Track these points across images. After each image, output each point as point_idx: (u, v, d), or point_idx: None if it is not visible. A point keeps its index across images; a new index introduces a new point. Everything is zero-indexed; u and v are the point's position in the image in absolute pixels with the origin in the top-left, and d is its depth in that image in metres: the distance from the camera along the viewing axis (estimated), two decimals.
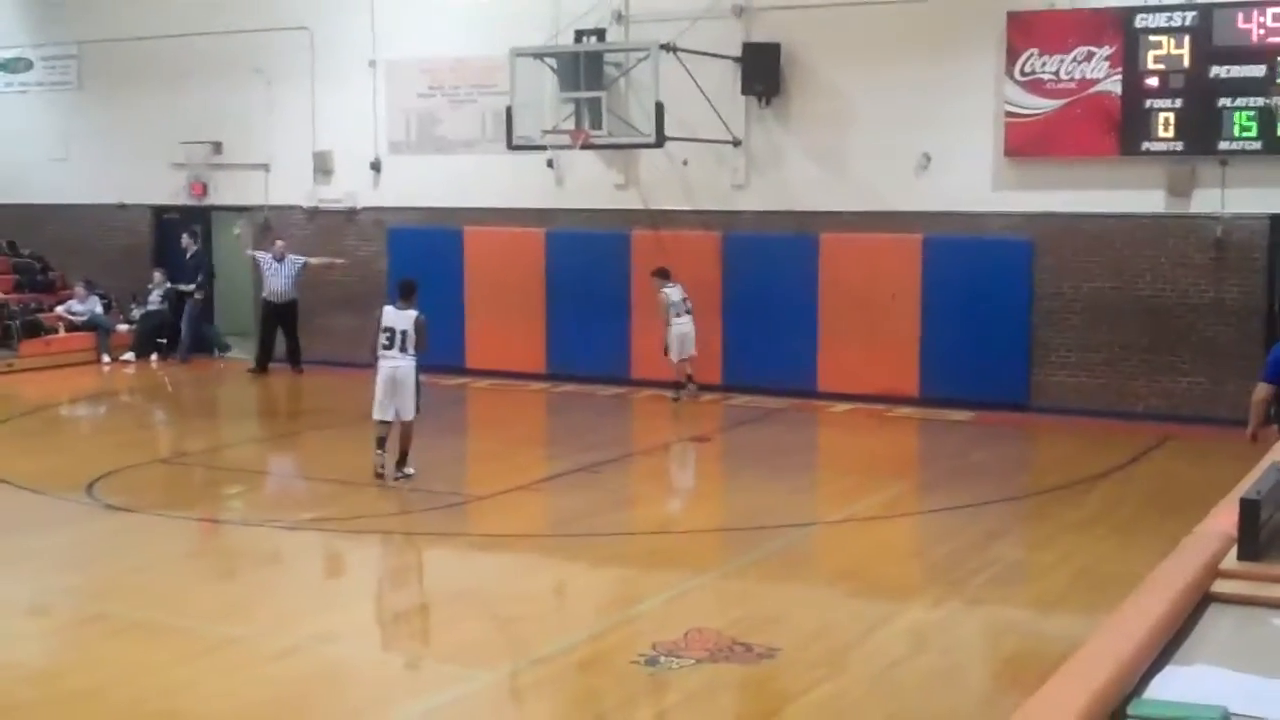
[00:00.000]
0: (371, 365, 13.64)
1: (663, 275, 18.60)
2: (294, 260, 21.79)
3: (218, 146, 23.36)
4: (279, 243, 21.96)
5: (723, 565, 11.25)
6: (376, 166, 22.06)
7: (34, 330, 23.02)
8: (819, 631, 9.28)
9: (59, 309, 23.54)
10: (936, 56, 18.15)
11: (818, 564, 11.65)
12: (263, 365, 21.84)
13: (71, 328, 23.36)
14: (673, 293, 18.51)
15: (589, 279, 20.28)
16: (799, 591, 10.47)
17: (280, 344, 21.99)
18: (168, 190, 23.97)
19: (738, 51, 19.04)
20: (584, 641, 9.16)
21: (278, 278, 21.71)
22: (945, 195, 18.26)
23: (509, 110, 18.78)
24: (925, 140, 18.30)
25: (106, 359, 23.15)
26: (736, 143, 19.29)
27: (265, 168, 22.99)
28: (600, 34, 19.60)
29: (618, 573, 10.99)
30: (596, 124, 18.62)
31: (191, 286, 23.20)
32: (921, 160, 18.36)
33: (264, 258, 21.95)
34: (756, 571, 10.90)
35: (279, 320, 21.88)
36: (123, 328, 23.66)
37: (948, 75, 18.12)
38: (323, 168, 22.46)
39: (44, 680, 8.57)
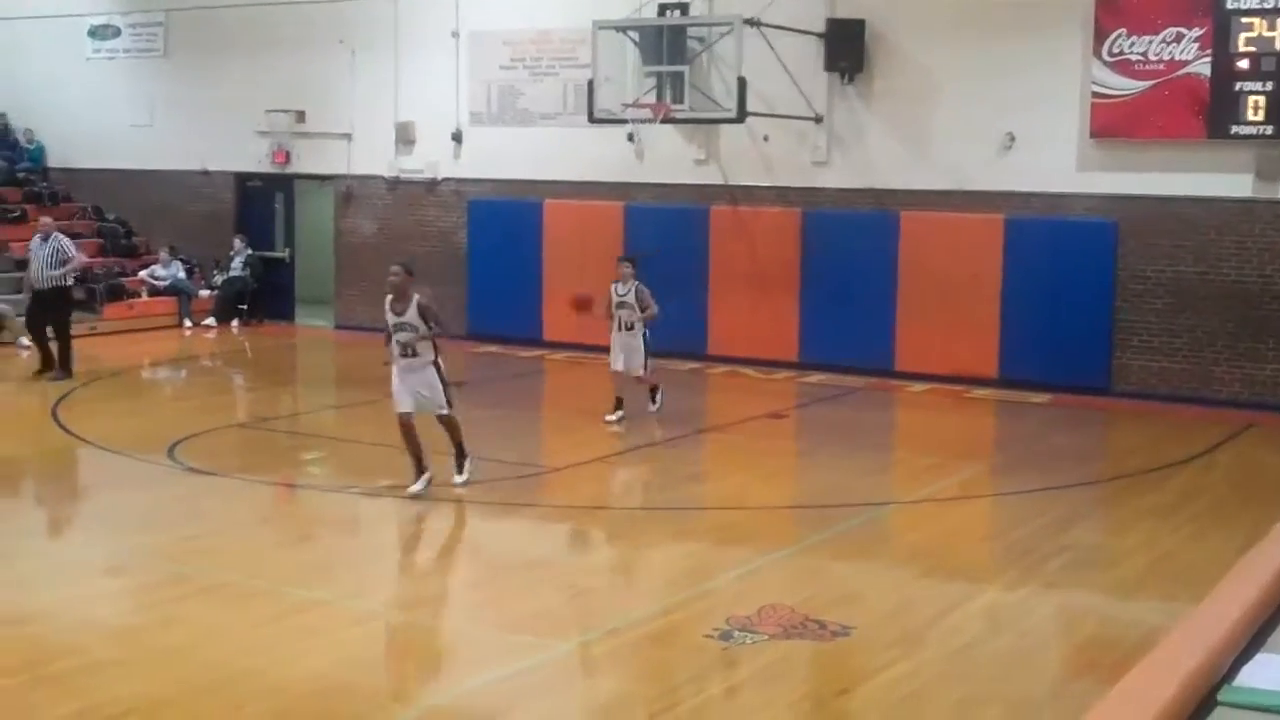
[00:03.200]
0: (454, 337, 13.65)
1: (636, 265, 15.62)
2: (60, 241, 18.57)
3: (301, 115, 23.51)
4: (43, 219, 19.40)
5: (796, 542, 11.22)
6: (458, 138, 22.13)
7: (117, 294, 23.32)
8: (893, 611, 9.24)
9: (142, 274, 23.83)
10: (1023, 35, 17.94)
11: (893, 543, 11.59)
12: (47, 365, 18.34)
13: (154, 292, 23.66)
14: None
15: (666, 253, 20.21)
16: (873, 570, 10.43)
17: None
18: (251, 158, 24.17)
19: (821, 27, 18.91)
20: (656, 614, 9.17)
21: (36, 260, 18.47)
22: (1029, 175, 18.07)
23: (590, 83, 18.78)
24: (1009, 119, 18.10)
25: (188, 324, 23.43)
26: (818, 119, 19.18)
27: (348, 137, 23.13)
28: (684, 8, 19.55)
29: (690, 547, 10.98)
30: (678, 98, 18.60)
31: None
32: (1005, 140, 18.17)
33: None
34: (830, 549, 10.86)
35: (43, 312, 18.48)
36: (204, 293, 23.93)
37: (1034, 54, 17.90)
38: (404, 138, 22.56)
39: (125, 638, 8.70)
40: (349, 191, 23.24)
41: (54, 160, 26.10)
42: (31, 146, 26.08)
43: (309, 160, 23.73)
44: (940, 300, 18.48)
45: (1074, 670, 8.46)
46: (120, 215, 25.60)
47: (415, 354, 11.82)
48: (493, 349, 21.07)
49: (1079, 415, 16.84)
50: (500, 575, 10.28)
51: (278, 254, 24.30)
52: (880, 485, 13.44)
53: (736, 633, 8.51)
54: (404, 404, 11.86)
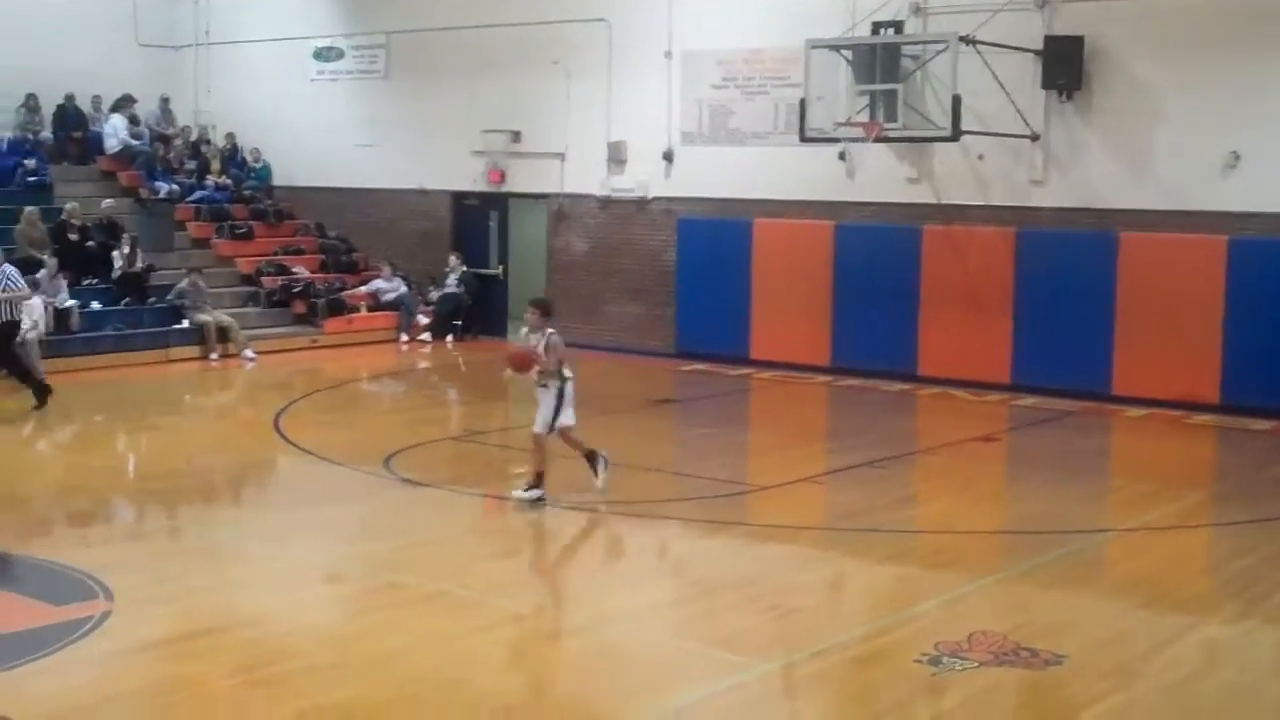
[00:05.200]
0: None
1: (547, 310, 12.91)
2: (4, 271, 17.05)
3: (516, 135, 23.92)
4: None
5: (1007, 568, 10.99)
6: (669, 157, 22.26)
7: (337, 309, 23.99)
8: (1108, 641, 8.99)
9: (362, 289, 24.47)
10: (1249, 51, 17.40)
11: (1107, 572, 11.29)
12: (41, 398, 17.18)
13: (375, 307, 24.29)
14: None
15: (877, 273, 20.08)
16: (1087, 599, 10.16)
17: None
18: (467, 177, 24.66)
19: (1038, 44, 18.57)
20: (863, 638, 9.07)
21: None
22: (1254, 196, 17.49)
23: (803, 102, 18.74)
24: (1234, 138, 17.57)
25: (405, 338, 23.99)
26: (1035, 137, 18.84)
27: (561, 156, 23.44)
28: (898, 26, 19.37)
29: (898, 570, 10.85)
30: (891, 116, 18.45)
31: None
32: (1230, 159, 17.62)
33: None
34: (1042, 576, 10.62)
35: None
36: (420, 309, 24.48)
37: (1260, 71, 17.35)
38: (616, 157, 22.78)
39: (341, 643, 8.91)
40: (561, 210, 23.55)
41: (279, 179, 26.97)
42: (258, 166, 26.99)
43: (523, 179, 24.11)
44: (1160, 323, 17.98)
45: None
46: (341, 233, 26.32)
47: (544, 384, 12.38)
48: (700, 367, 21.13)
49: None
50: (706, 593, 10.27)
51: (491, 271, 24.74)
52: (1094, 512, 13.10)
53: (946, 658, 8.38)
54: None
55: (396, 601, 9.73)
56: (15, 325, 17.45)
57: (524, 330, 12.89)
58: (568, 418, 12.46)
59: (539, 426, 12.42)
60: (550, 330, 12.45)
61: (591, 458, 12.72)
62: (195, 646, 8.67)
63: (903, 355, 19.77)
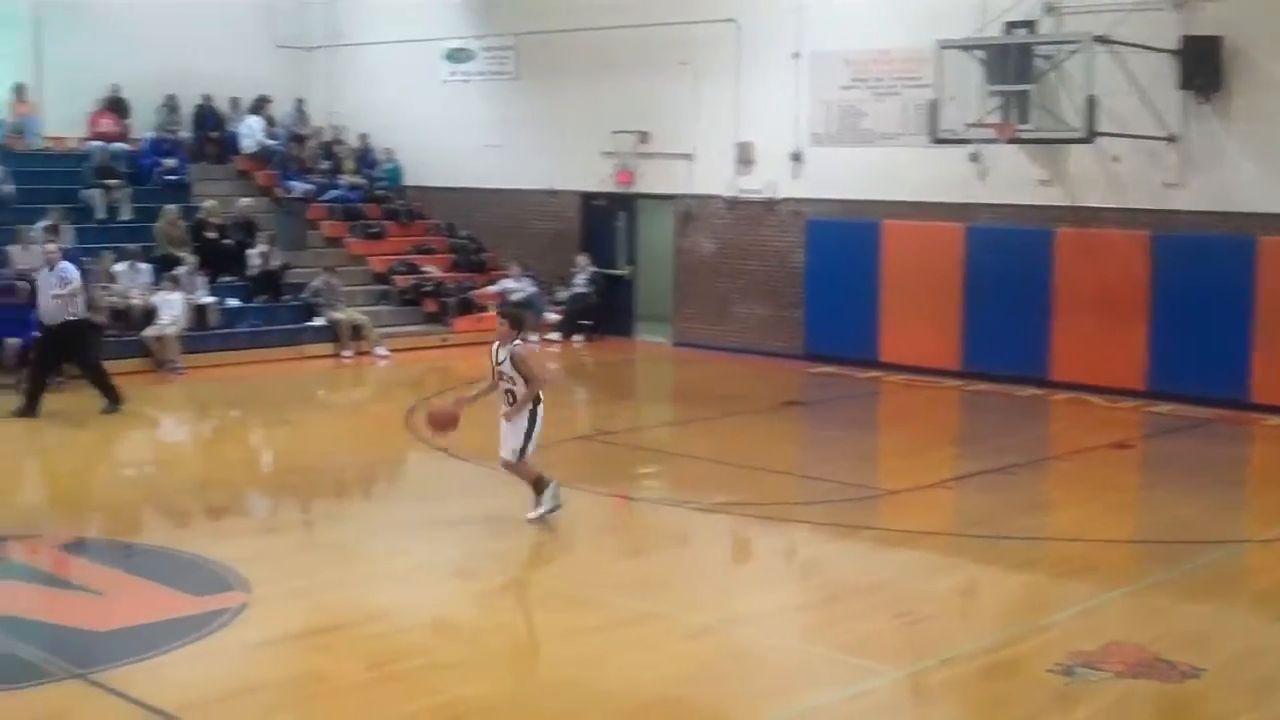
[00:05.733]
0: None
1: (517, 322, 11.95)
2: (65, 270, 16.64)
3: (644, 136, 23.98)
4: (49, 246, 17.52)
5: (1142, 578, 10.80)
6: (797, 158, 22.18)
7: (467, 308, 24.24)
8: (1246, 655, 8.81)
9: (491, 288, 24.68)
10: None
11: (1245, 584, 11.05)
12: (28, 407, 16.45)
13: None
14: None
15: (1009, 276, 19.83)
16: (1224, 612, 9.96)
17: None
18: (595, 178, 24.77)
19: (1175, 44, 18.21)
20: (994, 646, 8.97)
21: (44, 293, 16.68)
22: None
23: (933, 103, 18.58)
24: None
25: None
26: (1171, 139, 18.48)
27: (688, 157, 23.46)
28: (1030, 25, 19.12)
29: (1029, 578, 10.71)
30: (1023, 117, 18.25)
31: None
32: None
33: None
34: (1179, 587, 10.42)
35: (55, 349, 16.82)
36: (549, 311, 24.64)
37: None
38: (744, 158, 22.75)
39: (470, 640, 9.01)
40: (689, 211, 23.57)
41: (410, 179, 27.30)
42: (390, 166, 27.34)
43: (651, 180, 24.16)
44: None
45: None
46: (471, 232, 26.57)
47: (513, 401, 11.47)
48: (829, 369, 21.03)
49: None
50: (834, 597, 10.23)
51: (619, 271, 24.84)
52: (1232, 522, 12.83)
53: (1079, 669, 8.26)
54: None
55: (525, 599, 9.83)
56: (84, 324, 16.86)
57: (495, 344, 11.61)
58: (510, 445, 11.46)
59: (507, 453, 11.48)
60: (517, 342, 11.53)
61: (539, 484, 11.62)
62: (328, 640, 8.82)
63: (1034, 359, 19.50)
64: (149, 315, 20.39)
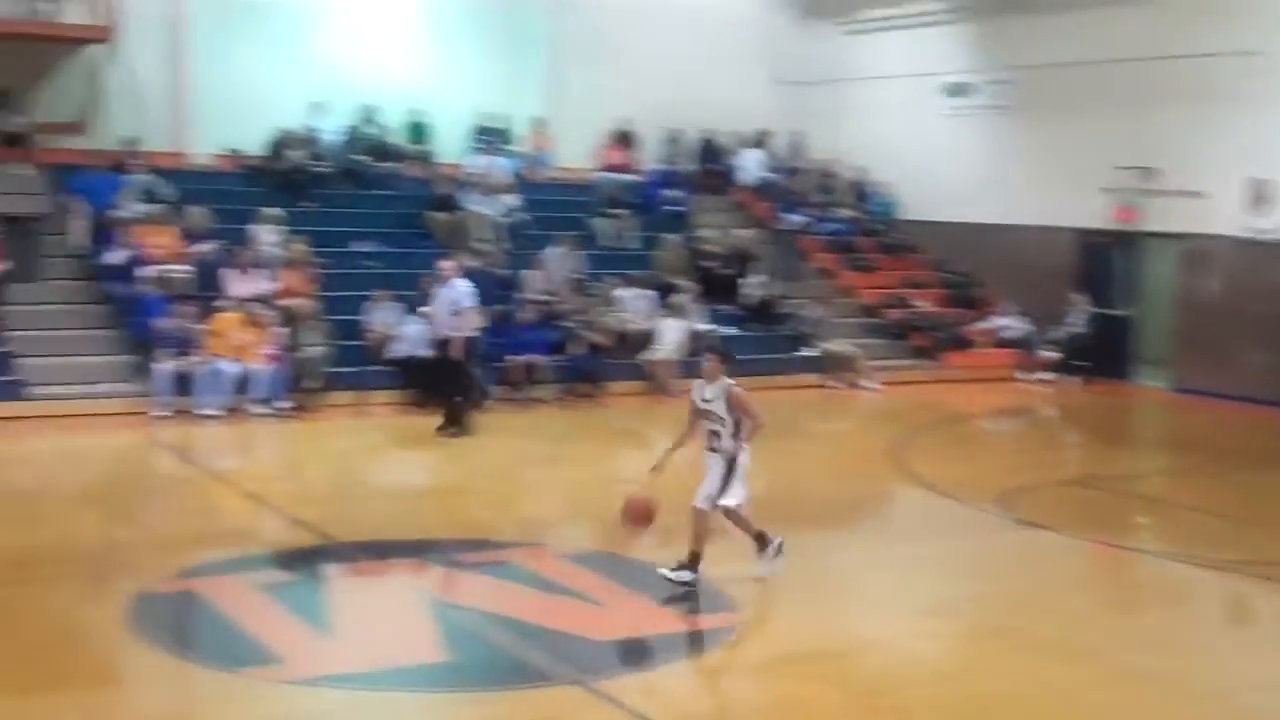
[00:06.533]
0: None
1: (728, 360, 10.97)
2: (458, 289, 16.93)
3: (1149, 172, 23.12)
4: (444, 264, 17.46)
5: None
6: None
7: (957, 343, 24.03)
8: None
9: (982, 324, 24.38)
10: None
11: None
12: (453, 425, 17.03)
13: (995, 343, 24.15)
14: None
15: None
16: None
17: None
18: (1093, 214, 24.06)
19: None
20: None
21: (439, 309, 17.17)
22: None
23: None
24: None
25: (1025, 376, 23.69)
26: None
27: (1197, 194, 22.45)
28: None
29: None
30: None
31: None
32: None
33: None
34: None
35: (441, 363, 17.22)
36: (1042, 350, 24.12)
37: None
38: (1260, 196, 21.57)
39: (947, 682, 8.93)
40: (1196, 251, 22.55)
41: (904, 212, 27.31)
42: (884, 199, 27.46)
43: (1154, 217, 23.25)
44: None
45: None
46: (962, 267, 26.32)
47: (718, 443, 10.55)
48: None
49: None
50: None
51: (1118, 311, 24.01)
52: None
53: None
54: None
55: (1006, 646, 9.65)
56: (464, 343, 16.97)
57: (699, 384, 10.77)
58: (734, 496, 10.54)
59: (700, 501, 10.55)
60: (730, 382, 10.59)
61: (762, 540, 10.86)
62: (810, 668, 8.94)
63: None
64: (648, 339, 21.26)
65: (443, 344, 17.02)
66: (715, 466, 10.52)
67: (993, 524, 13.32)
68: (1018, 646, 9.60)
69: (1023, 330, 24.16)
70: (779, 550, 10.73)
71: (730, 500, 10.45)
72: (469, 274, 17.88)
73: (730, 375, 10.56)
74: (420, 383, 18.34)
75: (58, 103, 22.24)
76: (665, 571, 10.40)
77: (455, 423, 17.05)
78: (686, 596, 10.23)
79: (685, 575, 10.37)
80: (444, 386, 17.35)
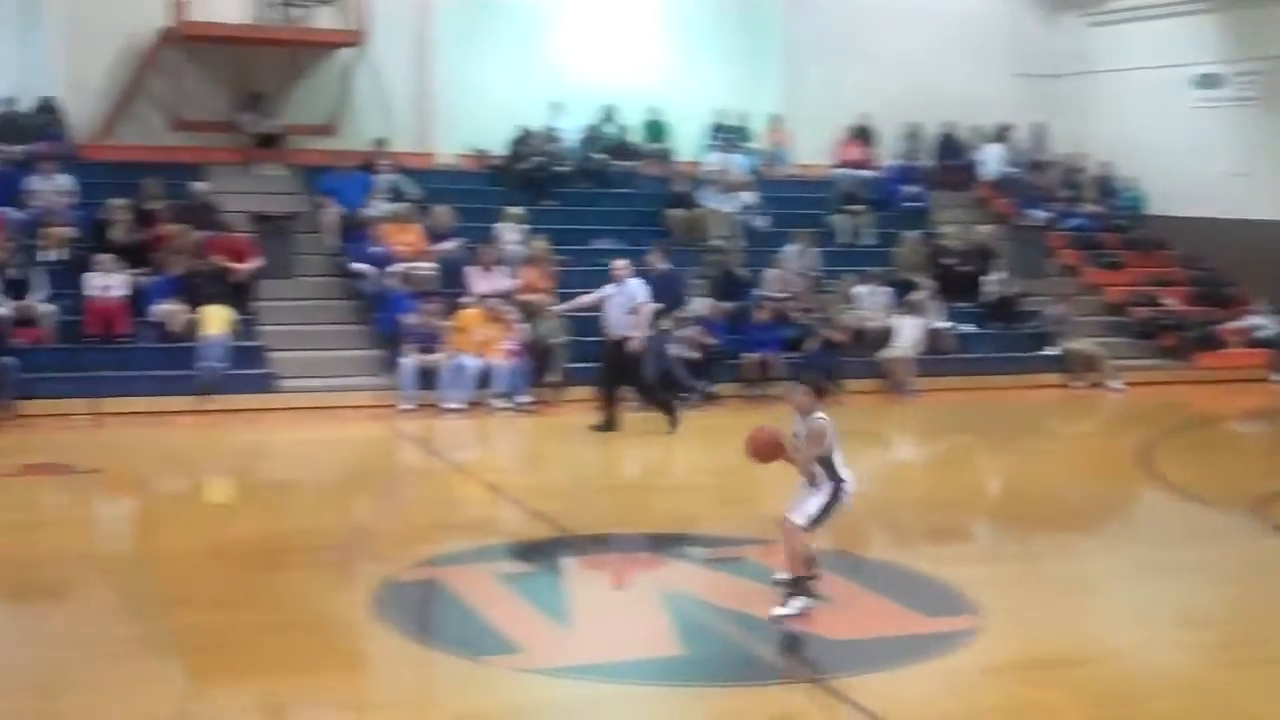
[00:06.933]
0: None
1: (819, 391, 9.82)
2: (632, 289, 17.26)
3: None
4: (617, 264, 17.55)
5: None
6: None
7: (1208, 343, 23.24)
8: None
9: (1234, 324, 23.58)
10: None
11: None
12: (605, 422, 17.15)
13: (1248, 343, 23.31)
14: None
15: None
16: None
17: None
18: None
19: None
20: None
21: (612, 308, 17.33)
22: None
23: None
24: None
25: (1278, 378, 22.81)
26: None
27: None
28: None
29: None
30: None
31: None
32: None
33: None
34: None
35: (619, 364, 17.21)
36: None
37: None
38: None
39: (1199, 693, 8.59)
40: None
41: (1152, 208, 26.56)
42: (1130, 194, 26.72)
43: None
44: None
45: None
46: (1213, 264, 25.46)
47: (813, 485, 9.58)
48: None
49: None
50: None
51: None
52: None
53: None
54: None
55: (1262, 657, 9.27)
56: (638, 343, 17.13)
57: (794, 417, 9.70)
58: (806, 516, 9.50)
59: (800, 518, 9.51)
60: (819, 415, 9.53)
61: (797, 585, 9.58)
62: (1051, 675, 8.73)
63: None
64: (885, 337, 21.07)
65: (618, 344, 17.05)
66: (816, 496, 9.52)
67: (1245, 531, 12.86)
68: (1273, 659, 9.24)
69: (1277, 330, 23.24)
70: (802, 611, 9.50)
71: (799, 519, 9.52)
72: (658, 275, 18.55)
73: (819, 404, 9.57)
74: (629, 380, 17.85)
75: (309, 105, 23.06)
76: (778, 611, 9.45)
77: (666, 413, 17.13)
78: (926, 599, 10.12)
79: (798, 603, 9.48)
80: (615, 386, 17.23)
